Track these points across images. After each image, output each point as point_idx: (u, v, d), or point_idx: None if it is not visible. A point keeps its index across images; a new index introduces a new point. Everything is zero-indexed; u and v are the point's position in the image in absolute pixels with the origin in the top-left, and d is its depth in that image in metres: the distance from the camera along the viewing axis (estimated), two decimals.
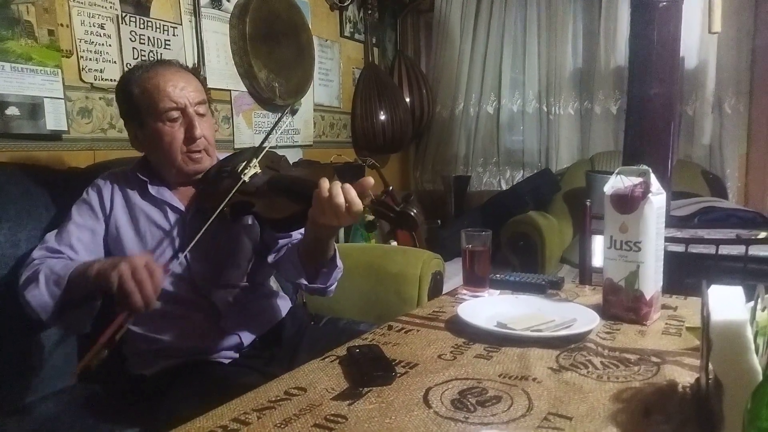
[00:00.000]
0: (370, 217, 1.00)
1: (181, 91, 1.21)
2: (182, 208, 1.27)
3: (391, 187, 1.01)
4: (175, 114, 1.20)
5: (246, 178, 1.16)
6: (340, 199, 0.96)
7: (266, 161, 1.23)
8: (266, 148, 1.21)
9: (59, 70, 1.77)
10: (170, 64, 1.27)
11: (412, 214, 0.96)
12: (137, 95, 1.21)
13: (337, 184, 0.97)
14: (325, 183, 0.98)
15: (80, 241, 1.23)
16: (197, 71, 1.32)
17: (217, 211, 1.10)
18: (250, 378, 1.10)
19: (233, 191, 1.12)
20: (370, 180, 0.98)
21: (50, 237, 1.23)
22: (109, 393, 1.29)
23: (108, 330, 0.97)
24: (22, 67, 1.67)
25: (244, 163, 1.18)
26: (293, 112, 1.28)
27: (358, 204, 0.97)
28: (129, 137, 1.29)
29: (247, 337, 1.28)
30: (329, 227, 1.06)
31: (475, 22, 3.69)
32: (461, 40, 3.72)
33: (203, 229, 1.09)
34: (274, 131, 1.25)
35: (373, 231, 0.98)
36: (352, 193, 0.97)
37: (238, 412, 0.67)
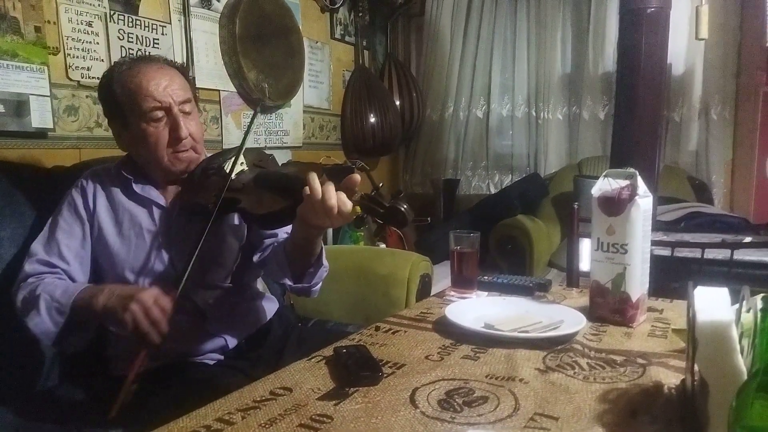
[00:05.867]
0: (358, 210, 0.98)
1: (164, 90, 1.17)
2: (167, 205, 1.25)
3: (381, 184, 1.00)
4: (159, 114, 1.17)
5: (233, 176, 1.14)
6: (333, 201, 0.95)
7: (253, 159, 1.22)
8: (243, 147, 1.20)
9: (46, 68, 1.75)
10: (154, 61, 1.23)
11: (402, 209, 0.94)
12: (119, 94, 1.18)
13: (329, 184, 0.96)
14: (315, 182, 0.96)
15: (69, 248, 1.21)
16: (183, 68, 1.28)
17: (215, 209, 1.09)
18: (235, 379, 1.09)
19: (225, 189, 1.10)
20: (357, 177, 0.98)
21: (38, 248, 1.21)
22: (92, 394, 1.27)
23: (132, 368, 0.99)
24: (7, 63, 1.65)
25: (230, 161, 1.17)
26: (263, 110, 1.27)
27: (348, 204, 0.96)
28: (113, 136, 1.27)
29: (232, 340, 1.27)
30: (319, 227, 1.05)
31: (465, 27, 3.70)
32: (451, 44, 3.73)
33: (206, 229, 1.07)
34: (254, 123, 1.24)
35: (362, 227, 0.96)
36: (342, 194, 0.96)
37: (223, 411, 0.67)
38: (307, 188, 0.97)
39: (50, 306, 1.10)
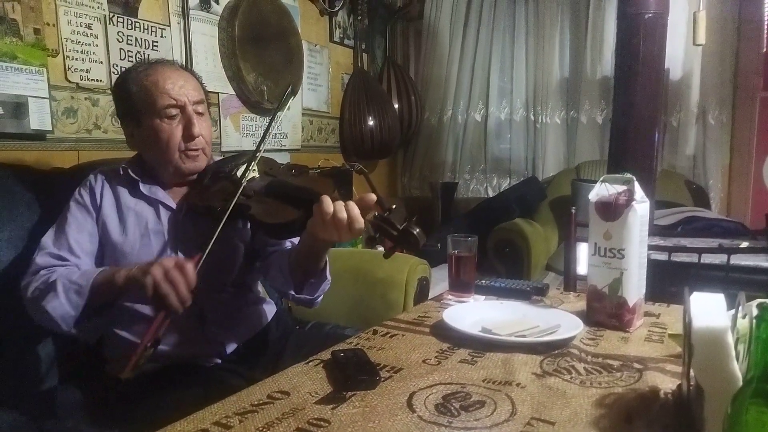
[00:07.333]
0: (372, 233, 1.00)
1: (180, 89, 1.20)
2: (174, 206, 1.25)
3: (394, 206, 1.01)
4: (174, 111, 1.19)
5: (245, 181, 1.15)
6: (343, 215, 0.96)
7: (265, 167, 1.23)
8: (262, 151, 1.21)
9: (44, 70, 1.76)
10: (170, 63, 1.26)
11: (415, 233, 0.95)
12: (135, 93, 1.20)
13: (341, 201, 0.97)
14: (327, 198, 0.98)
15: (78, 243, 1.21)
16: (197, 74, 1.31)
17: (227, 213, 1.09)
18: (233, 382, 1.09)
19: (237, 194, 1.10)
20: (372, 196, 0.98)
21: (48, 241, 1.21)
22: (89, 396, 1.27)
23: (150, 330, 0.99)
24: (6, 65, 1.65)
25: (243, 166, 1.18)
26: (282, 112, 1.26)
27: (361, 222, 0.97)
28: (125, 136, 1.27)
29: (230, 345, 1.27)
30: (327, 241, 1.05)
31: (464, 31, 3.71)
32: (450, 48, 3.74)
33: (217, 232, 1.08)
34: (272, 125, 1.24)
35: (374, 246, 0.98)
36: (356, 210, 0.97)
37: (220, 415, 0.67)
38: (319, 204, 0.98)
39: (68, 288, 1.09)
